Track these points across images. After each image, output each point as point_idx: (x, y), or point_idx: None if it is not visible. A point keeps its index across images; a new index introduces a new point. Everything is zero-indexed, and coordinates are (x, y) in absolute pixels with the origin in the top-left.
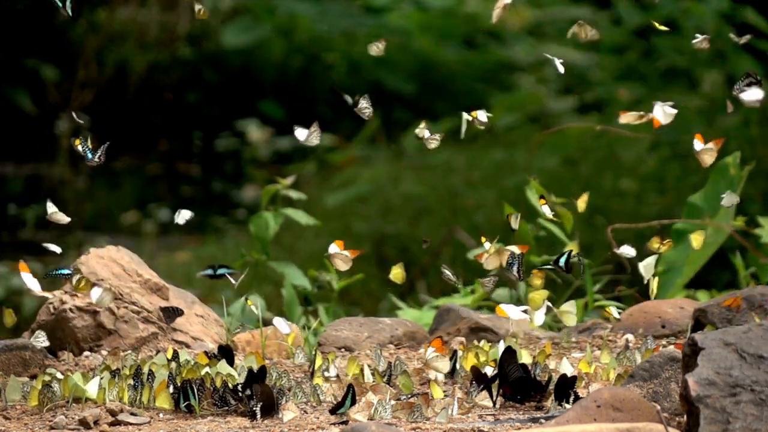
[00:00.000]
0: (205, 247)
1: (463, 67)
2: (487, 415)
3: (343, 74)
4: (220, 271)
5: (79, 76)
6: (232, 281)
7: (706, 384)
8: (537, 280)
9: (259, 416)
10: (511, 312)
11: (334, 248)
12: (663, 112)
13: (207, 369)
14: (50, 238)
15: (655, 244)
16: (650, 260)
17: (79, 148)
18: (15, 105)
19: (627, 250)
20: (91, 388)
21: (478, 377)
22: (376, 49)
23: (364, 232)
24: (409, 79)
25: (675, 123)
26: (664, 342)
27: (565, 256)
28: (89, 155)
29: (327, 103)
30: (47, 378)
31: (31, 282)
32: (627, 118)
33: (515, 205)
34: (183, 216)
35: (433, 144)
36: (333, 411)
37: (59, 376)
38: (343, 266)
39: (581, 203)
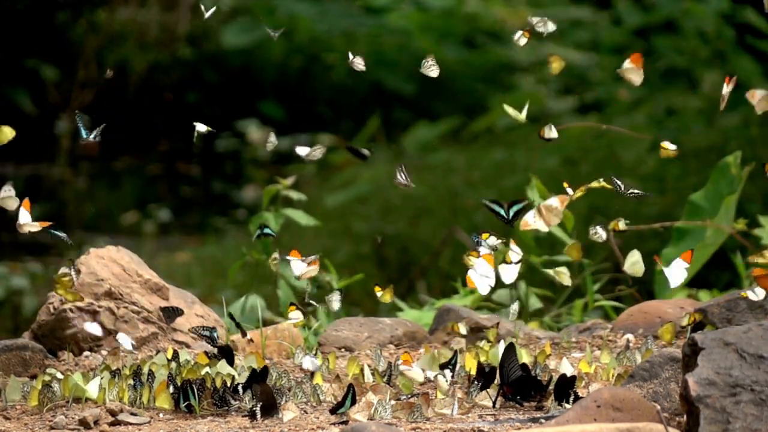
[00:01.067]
0: (205, 248)
1: (463, 67)
2: (487, 415)
3: (343, 74)
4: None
5: (79, 76)
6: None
7: (706, 384)
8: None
9: (259, 416)
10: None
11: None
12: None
13: (207, 369)
14: (50, 238)
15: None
16: (635, 256)
17: (78, 123)
18: (15, 105)
19: (600, 232)
20: (91, 388)
21: (481, 374)
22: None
23: (364, 232)
24: (409, 79)
25: (675, 123)
26: (663, 342)
27: (519, 206)
28: (83, 133)
29: (327, 103)
30: (47, 378)
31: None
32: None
33: None
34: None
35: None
36: (333, 411)
37: (59, 376)
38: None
39: (596, 184)
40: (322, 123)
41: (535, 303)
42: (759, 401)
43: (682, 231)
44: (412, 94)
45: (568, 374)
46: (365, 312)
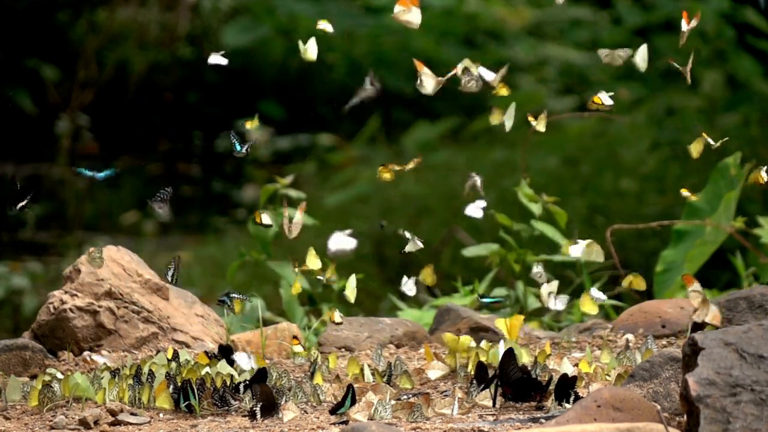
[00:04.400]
0: (205, 247)
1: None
2: (487, 415)
3: (343, 74)
4: None
5: (79, 76)
6: None
7: (706, 384)
8: None
9: (259, 416)
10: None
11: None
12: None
13: (207, 369)
14: (50, 238)
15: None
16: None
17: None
18: (15, 105)
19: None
20: (91, 388)
21: (481, 374)
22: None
23: (364, 232)
24: (410, 79)
25: (675, 123)
26: (664, 342)
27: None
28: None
29: (327, 103)
30: (47, 378)
31: None
32: None
33: (514, 205)
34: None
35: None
36: (333, 411)
37: (59, 376)
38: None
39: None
40: (322, 123)
41: (533, 302)
42: (759, 401)
43: (682, 231)
44: (412, 93)
45: (569, 374)
46: (365, 312)
